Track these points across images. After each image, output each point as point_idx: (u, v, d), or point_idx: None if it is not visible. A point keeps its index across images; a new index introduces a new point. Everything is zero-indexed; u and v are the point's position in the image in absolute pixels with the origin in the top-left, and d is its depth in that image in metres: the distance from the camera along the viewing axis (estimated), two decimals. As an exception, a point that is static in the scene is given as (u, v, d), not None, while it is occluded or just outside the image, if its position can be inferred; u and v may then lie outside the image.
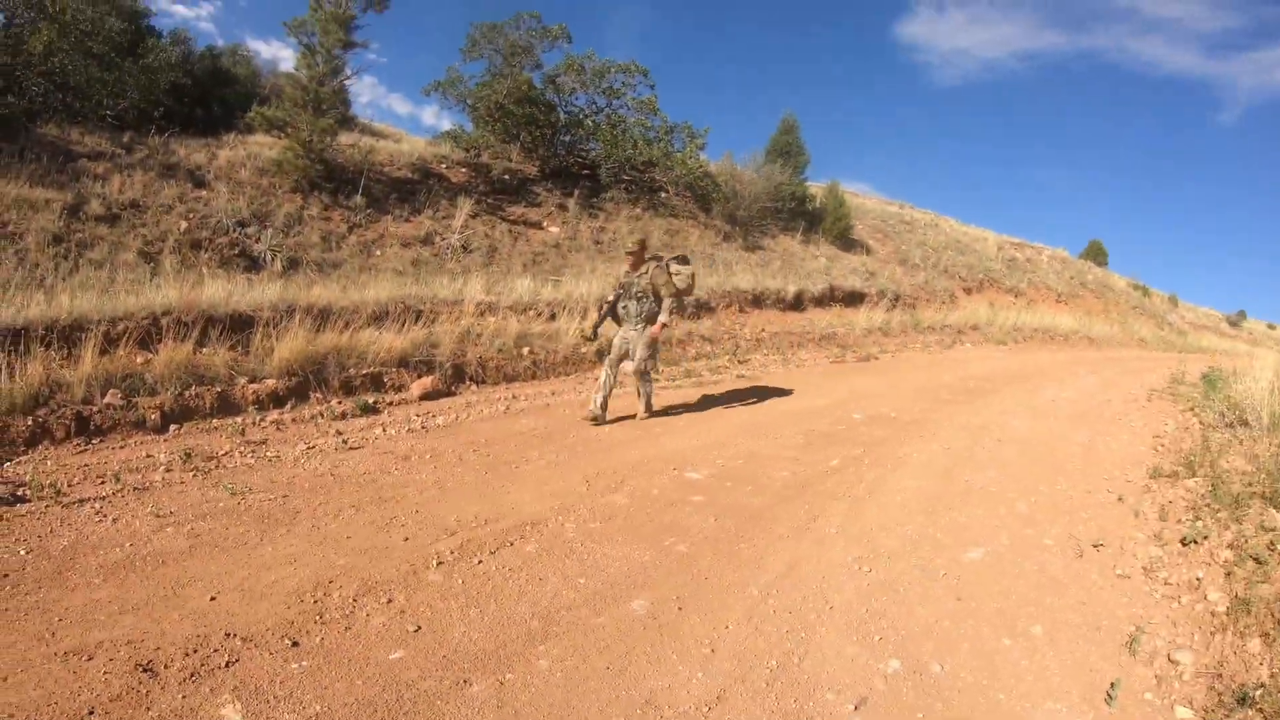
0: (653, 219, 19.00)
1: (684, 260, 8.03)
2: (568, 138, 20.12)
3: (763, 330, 14.80)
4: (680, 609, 3.97)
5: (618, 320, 8.12)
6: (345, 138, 15.94)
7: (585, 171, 19.98)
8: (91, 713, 2.98)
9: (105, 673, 3.20)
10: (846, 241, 23.50)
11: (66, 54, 13.19)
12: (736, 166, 21.97)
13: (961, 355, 16.41)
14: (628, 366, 8.05)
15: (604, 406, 7.86)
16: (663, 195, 20.57)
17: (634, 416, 8.07)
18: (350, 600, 3.90)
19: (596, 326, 8.19)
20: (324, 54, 14.52)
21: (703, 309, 14.68)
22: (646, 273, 7.84)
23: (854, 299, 18.84)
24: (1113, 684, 3.45)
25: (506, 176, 18.21)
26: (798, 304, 17.15)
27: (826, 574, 4.45)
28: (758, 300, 16.22)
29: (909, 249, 25.61)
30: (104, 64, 13.84)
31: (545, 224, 16.89)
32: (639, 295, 7.88)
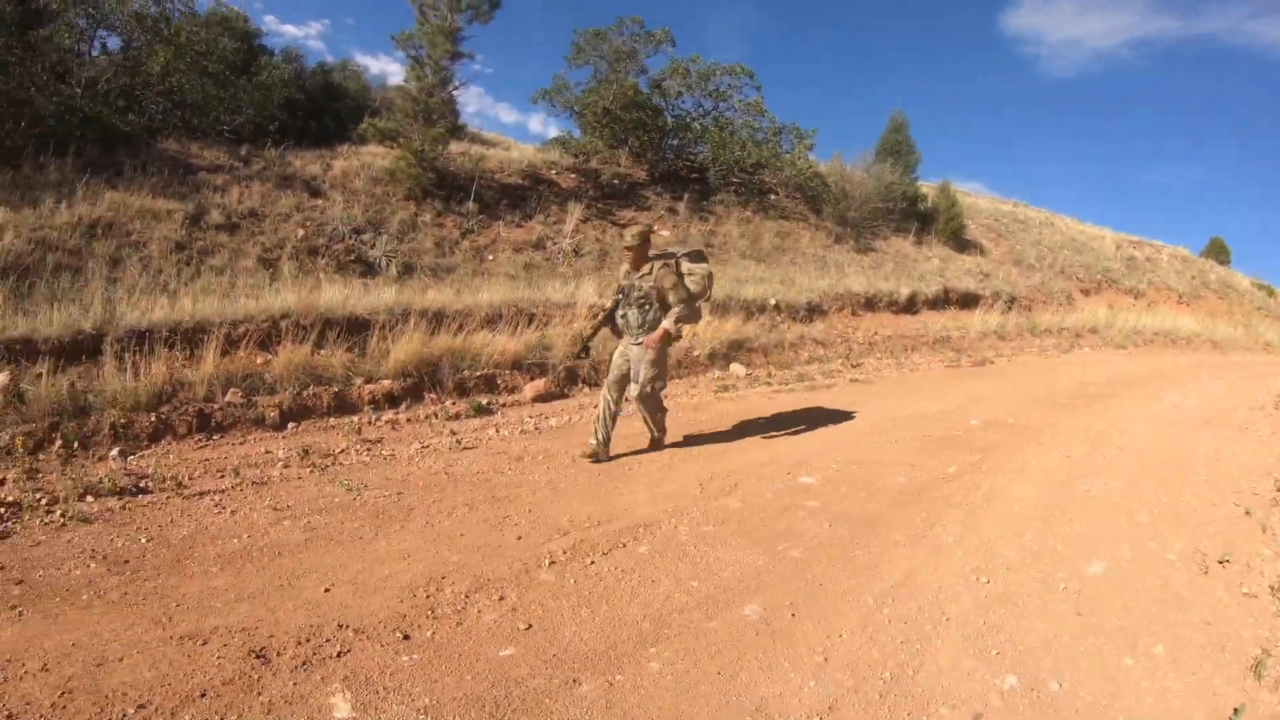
0: (763, 221, 18.87)
1: (698, 257, 6.77)
2: (675, 141, 20.19)
3: (875, 333, 14.54)
4: (793, 615, 3.87)
5: (617, 332, 6.81)
6: (456, 146, 16.31)
7: (694, 175, 20.01)
8: (204, 695, 3.04)
9: (219, 657, 3.28)
10: (960, 242, 22.89)
11: (183, 74, 14.14)
12: (846, 167, 21.80)
13: (1080, 359, 15.81)
14: (632, 390, 6.65)
15: (606, 441, 6.61)
16: (772, 197, 20.41)
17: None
18: (462, 596, 3.92)
19: (588, 340, 6.97)
20: (432, 65, 14.98)
21: (815, 312, 14.50)
22: (651, 273, 6.49)
23: (968, 301, 18.37)
24: (1236, 710, 3.22)
25: (616, 181, 18.37)
26: (911, 306, 16.79)
27: (943, 584, 4.29)
28: (870, 303, 15.95)
29: (1024, 249, 24.78)
30: (219, 82, 14.71)
31: (656, 227, 16.90)
32: (641, 301, 6.53)
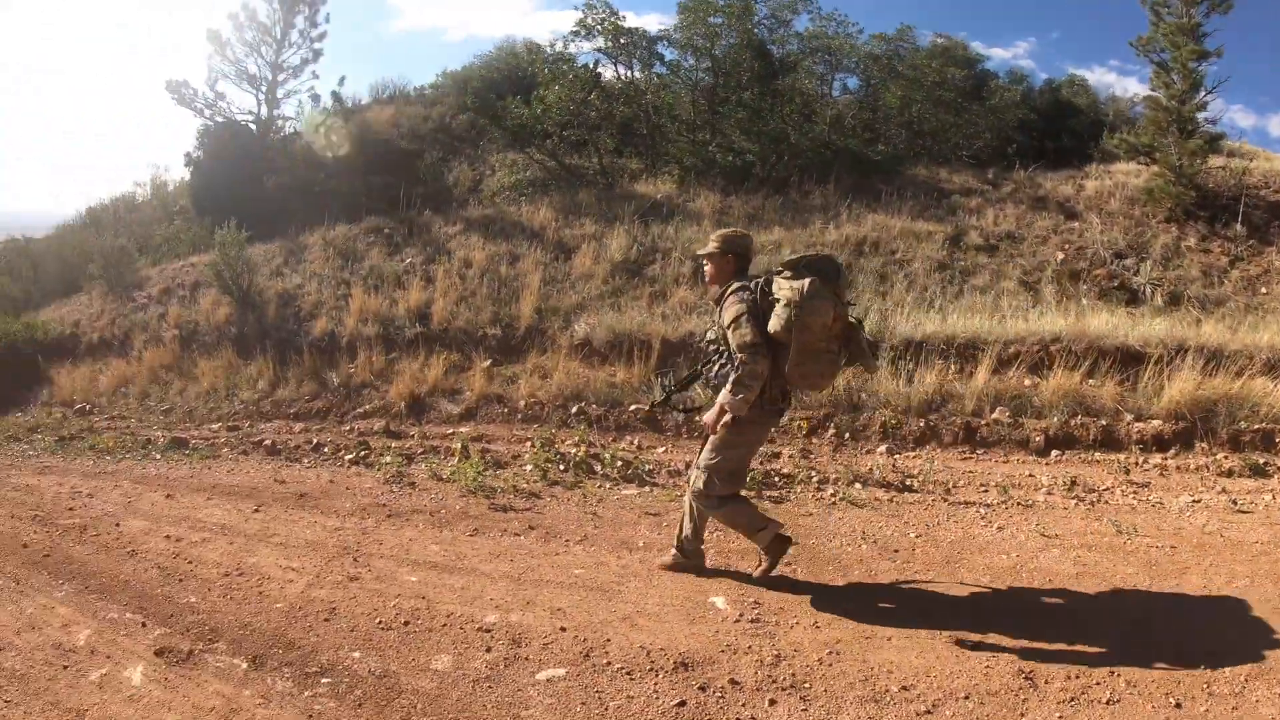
0: None
1: (810, 267, 4.00)
2: None
3: None
4: None
5: None
6: (1213, 159, 14.45)
7: None
8: (967, 697, 3.27)
9: (987, 667, 3.49)
10: None
11: (919, 104, 15.27)
12: None
13: None
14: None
15: (690, 550, 4.47)
16: None
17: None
18: (1241, 679, 3.53)
19: (672, 389, 4.85)
20: (1179, 69, 13.52)
21: None
22: (720, 304, 4.27)
23: None
24: None
25: None
26: None
27: None
28: None
29: None
30: (953, 109, 15.51)
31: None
32: (712, 347, 4.38)
